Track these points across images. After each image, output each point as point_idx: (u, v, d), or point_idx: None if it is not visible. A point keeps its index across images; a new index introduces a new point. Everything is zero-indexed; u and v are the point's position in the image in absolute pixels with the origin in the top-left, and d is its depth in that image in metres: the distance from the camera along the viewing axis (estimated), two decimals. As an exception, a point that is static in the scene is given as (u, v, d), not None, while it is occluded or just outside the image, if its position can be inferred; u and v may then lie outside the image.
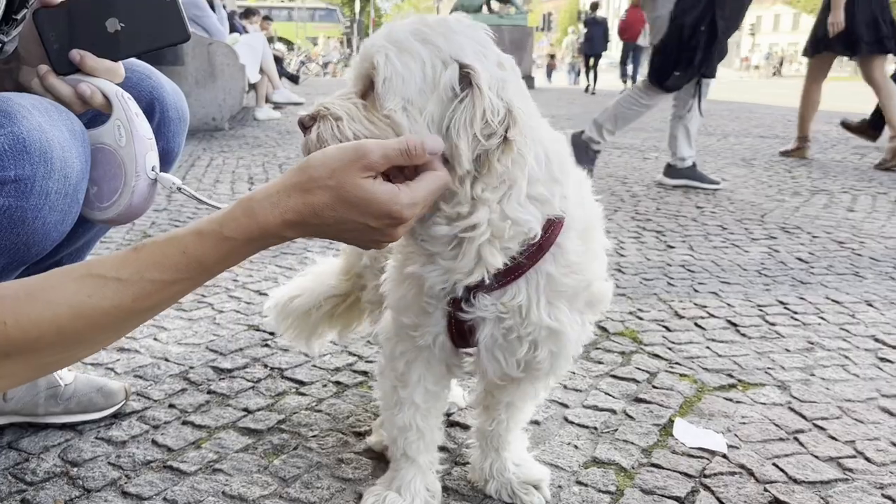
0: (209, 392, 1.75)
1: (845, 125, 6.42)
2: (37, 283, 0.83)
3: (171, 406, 1.68)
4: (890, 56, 5.68)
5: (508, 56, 1.01)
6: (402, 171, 0.92)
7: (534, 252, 1.02)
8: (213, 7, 7.62)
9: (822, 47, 5.80)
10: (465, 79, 0.93)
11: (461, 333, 1.11)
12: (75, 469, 1.41)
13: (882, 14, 5.54)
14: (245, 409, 1.67)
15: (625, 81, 16.82)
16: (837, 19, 5.53)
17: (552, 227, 1.02)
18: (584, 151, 4.61)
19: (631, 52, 16.82)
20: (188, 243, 0.86)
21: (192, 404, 1.69)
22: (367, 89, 0.98)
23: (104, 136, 1.13)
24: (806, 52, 6.01)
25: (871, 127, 6.27)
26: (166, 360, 1.92)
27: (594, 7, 18.36)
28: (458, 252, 1.00)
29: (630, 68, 16.90)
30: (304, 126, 0.99)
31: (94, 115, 1.18)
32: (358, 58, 0.99)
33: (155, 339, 2.06)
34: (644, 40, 15.37)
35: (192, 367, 1.88)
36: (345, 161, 0.87)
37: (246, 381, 1.82)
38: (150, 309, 0.88)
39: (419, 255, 1.05)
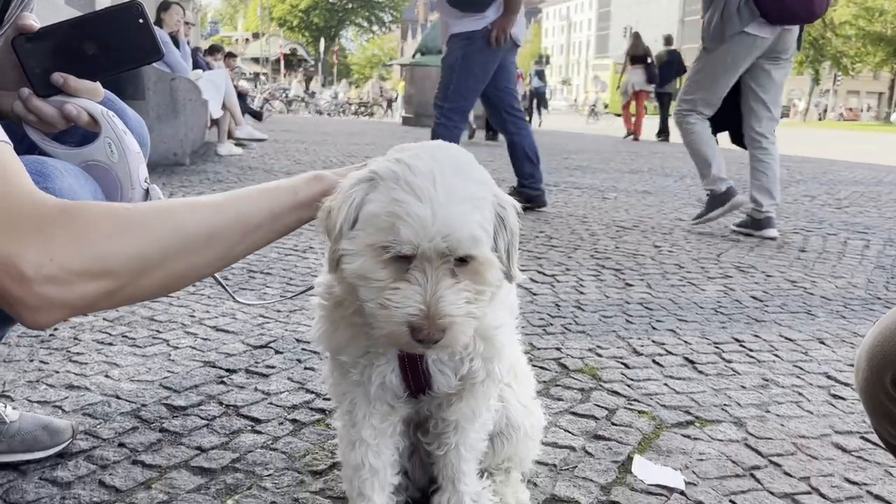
0: (161, 430, 1.70)
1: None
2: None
3: (121, 445, 1.62)
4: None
5: None
6: None
7: None
8: (176, 43, 7.62)
9: None
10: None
11: (412, 363, 1.16)
12: (17, 511, 1.36)
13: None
14: (198, 448, 1.62)
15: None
16: None
17: None
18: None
19: None
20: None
21: (142, 443, 1.64)
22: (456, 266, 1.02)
23: (95, 153, 1.21)
24: None
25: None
26: (117, 397, 1.87)
27: None
28: None
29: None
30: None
31: (82, 135, 1.25)
32: (436, 233, 0.97)
33: (106, 375, 2.00)
34: (518, 87, 20.19)
35: (144, 405, 1.83)
36: None
37: (200, 418, 1.77)
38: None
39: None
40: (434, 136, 4.48)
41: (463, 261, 1.00)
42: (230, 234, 1.07)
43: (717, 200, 4.62)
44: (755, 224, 4.55)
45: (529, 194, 5.04)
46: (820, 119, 53.82)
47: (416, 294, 0.98)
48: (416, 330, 0.98)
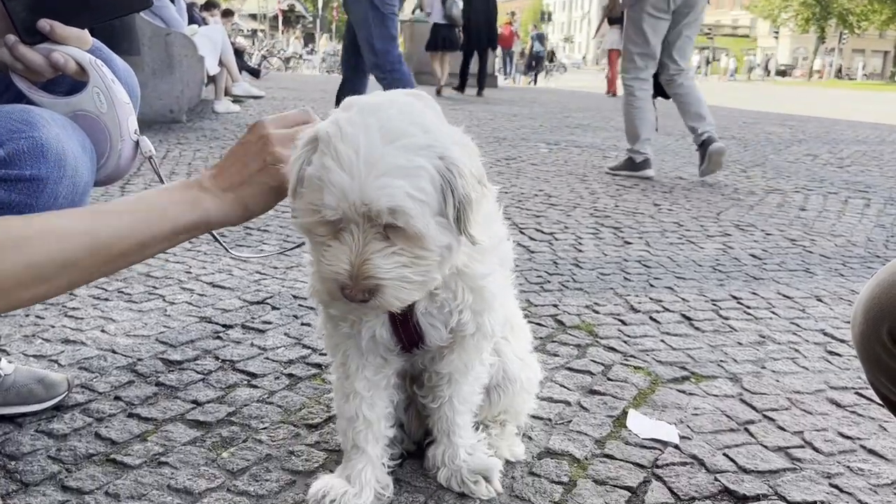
0: (157, 384, 1.71)
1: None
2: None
3: (117, 398, 1.63)
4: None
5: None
6: None
7: None
8: (171, -3, 7.47)
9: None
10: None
11: (403, 318, 1.17)
12: (13, 463, 1.36)
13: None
14: (194, 402, 1.63)
15: (505, 74, 23.83)
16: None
17: None
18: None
19: (507, 56, 23.70)
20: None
21: (138, 396, 1.64)
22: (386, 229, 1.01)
23: (84, 103, 1.19)
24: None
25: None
26: (113, 351, 1.87)
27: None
28: None
29: (508, 67, 24.80)
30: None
31: (70, 84, 1.23)
32: (357, 200, 0.96)
33: (102, 330, 2.00)
34: (516, 47, 24.22)
35: (140, 359, 1.83)
36: None
37: (196, 373, 1.77)
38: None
39: None
40: None
41: (396, 225, 0.98)
42: (88, 264, 1.01)
43: (632, 165, 5.11)
44: (702, 147, 4.92)
45: None
46: (837, 77, 53.17)
47: (343, 254, 0.99)
48: (342, 288, 1.00)
